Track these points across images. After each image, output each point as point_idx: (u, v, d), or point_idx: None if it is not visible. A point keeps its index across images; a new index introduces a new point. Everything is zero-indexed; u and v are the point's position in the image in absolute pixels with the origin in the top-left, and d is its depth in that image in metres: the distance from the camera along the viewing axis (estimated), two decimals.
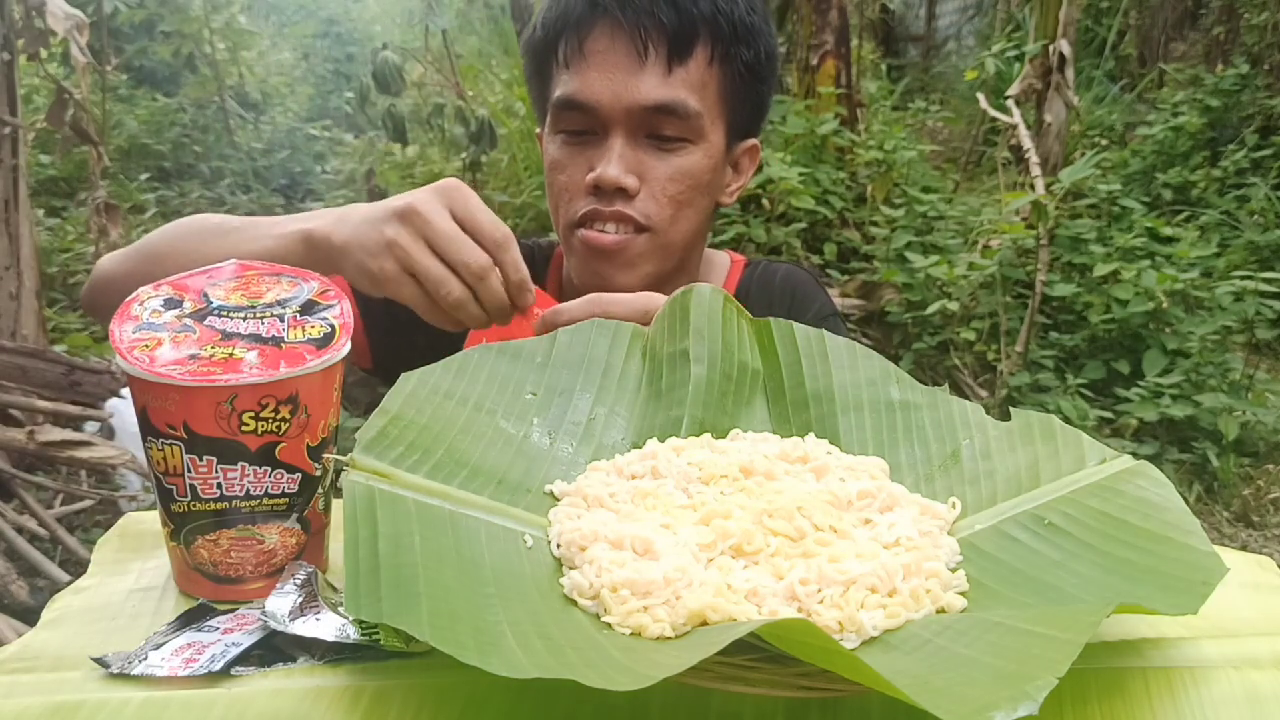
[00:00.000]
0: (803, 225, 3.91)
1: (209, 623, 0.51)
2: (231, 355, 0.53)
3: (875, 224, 4.02)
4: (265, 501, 0.54)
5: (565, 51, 0.95)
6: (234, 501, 0.53)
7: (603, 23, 0.94)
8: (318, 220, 0.80)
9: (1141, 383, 3.20)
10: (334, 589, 0.53)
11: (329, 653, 0.47)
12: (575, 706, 0.44)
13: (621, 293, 0.75)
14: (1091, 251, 3.65)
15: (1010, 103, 4.12)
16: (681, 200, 0.96)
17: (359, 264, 0.77)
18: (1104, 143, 5.00)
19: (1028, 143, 3.85)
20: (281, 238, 0.80)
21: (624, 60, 0.93)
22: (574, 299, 0.76)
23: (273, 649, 0.48)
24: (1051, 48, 4.15)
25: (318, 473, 0.55)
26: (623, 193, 0.94)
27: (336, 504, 0.57)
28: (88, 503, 2.71)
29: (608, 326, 0.69)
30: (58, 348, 3.19)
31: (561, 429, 0.62)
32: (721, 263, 1.12)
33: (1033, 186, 3.68)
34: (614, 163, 0.93)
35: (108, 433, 2.76)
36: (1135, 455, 0.59)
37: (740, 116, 0.99)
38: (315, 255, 0.78)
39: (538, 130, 1.05)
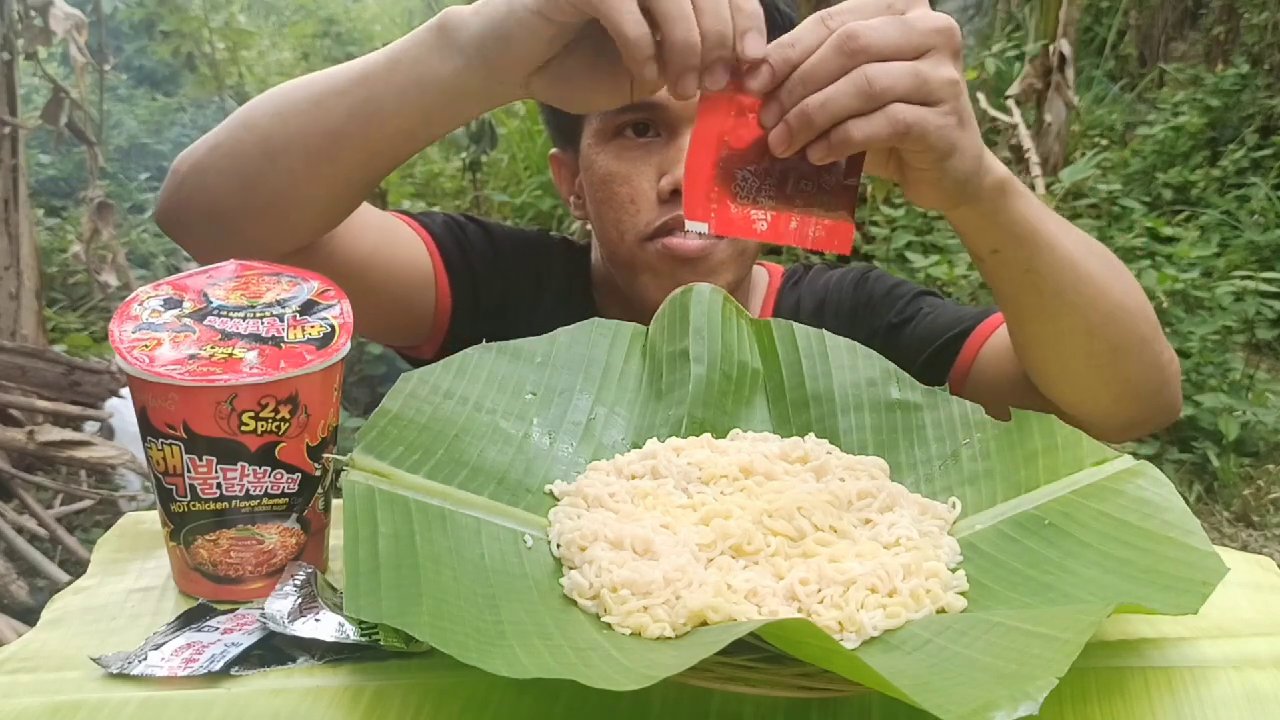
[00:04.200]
0: None
1: (209, 623, 0.51)
2: (231, 355, 0.53)
3: (875, 224, 4.01)
4: (265, 501, 0.54)
5: None
6: (234, 501, 0.53)
7: None
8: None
9: None
10: (334, 589, 0.53)
11: (329, 653, 0.47)
12: (575, 706, 0.44)
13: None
14: None
15: (1010, 103, 4.12)
16: None
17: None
18: (1104, 143, 4.98)
19: (1028, 143, 3.85)
20: (403, 42, 0.69)
21: None
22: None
23: (272, 649, 0.48)
24: (1051, 48, 4.14)
25: (318, 473, 0.55)
26: None
27: (336, 504, 0.57)
28: (88, 503, 2.71)
29: (608, 326, 0.69)
30: (58, 348, 3.19)
31: (561, 429, 0.62)
32: (761, 278, 1.03)
33: (1033, 186, 3.68)
34: None
35: (108, 433, 2.77)
36: (1135, 455, 0.59)
37: None
38: (450, 39, 0.65)
39: (552, 152, 1.01)
